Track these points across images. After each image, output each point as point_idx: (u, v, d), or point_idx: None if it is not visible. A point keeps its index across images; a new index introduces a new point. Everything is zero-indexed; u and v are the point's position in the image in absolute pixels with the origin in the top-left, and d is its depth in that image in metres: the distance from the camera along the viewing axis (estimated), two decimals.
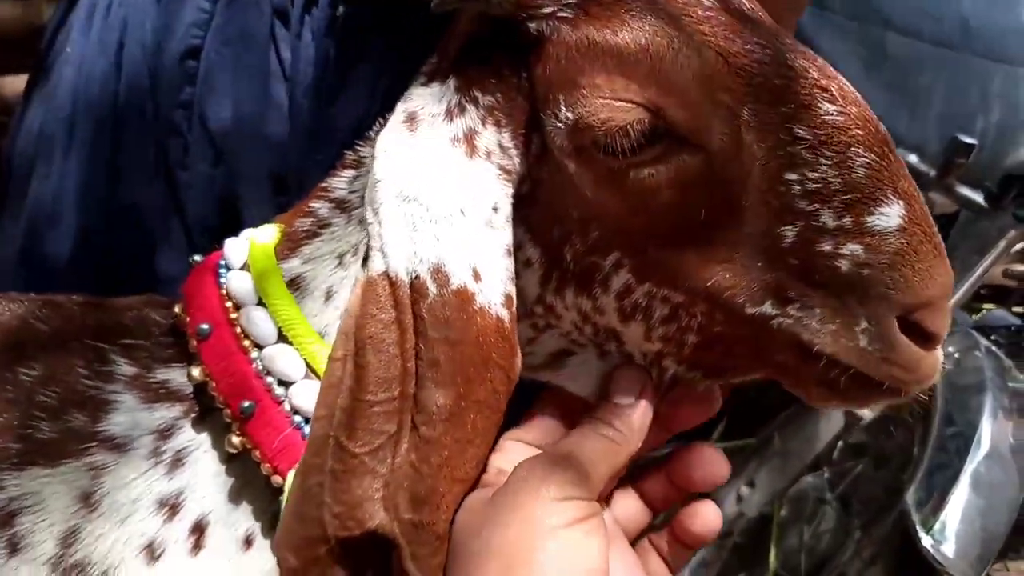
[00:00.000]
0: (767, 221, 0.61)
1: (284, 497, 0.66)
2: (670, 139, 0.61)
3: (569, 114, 0.61)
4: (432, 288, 0.62)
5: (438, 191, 0.63)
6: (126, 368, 0.70)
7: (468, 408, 0.62)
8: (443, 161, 0.64)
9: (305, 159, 0.93)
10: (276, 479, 0.67)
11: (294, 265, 0.71)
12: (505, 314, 0.63)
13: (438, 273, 0.62)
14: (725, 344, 0.66)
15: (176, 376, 0.71)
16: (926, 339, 0.62)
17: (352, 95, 0.91)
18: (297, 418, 0.67)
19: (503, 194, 0.64)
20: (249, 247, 0.71)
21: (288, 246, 0.71)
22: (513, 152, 0.65)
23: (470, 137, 0.64)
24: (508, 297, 0.64)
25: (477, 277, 0.63)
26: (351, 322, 0.63)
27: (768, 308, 0.63)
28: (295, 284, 0.70)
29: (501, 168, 0.65)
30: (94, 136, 0.98)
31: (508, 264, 0.64)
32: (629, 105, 0.60)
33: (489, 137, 0.65)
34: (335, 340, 0.65)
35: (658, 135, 0.61)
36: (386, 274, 0.63)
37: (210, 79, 0.93)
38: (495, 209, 0.64)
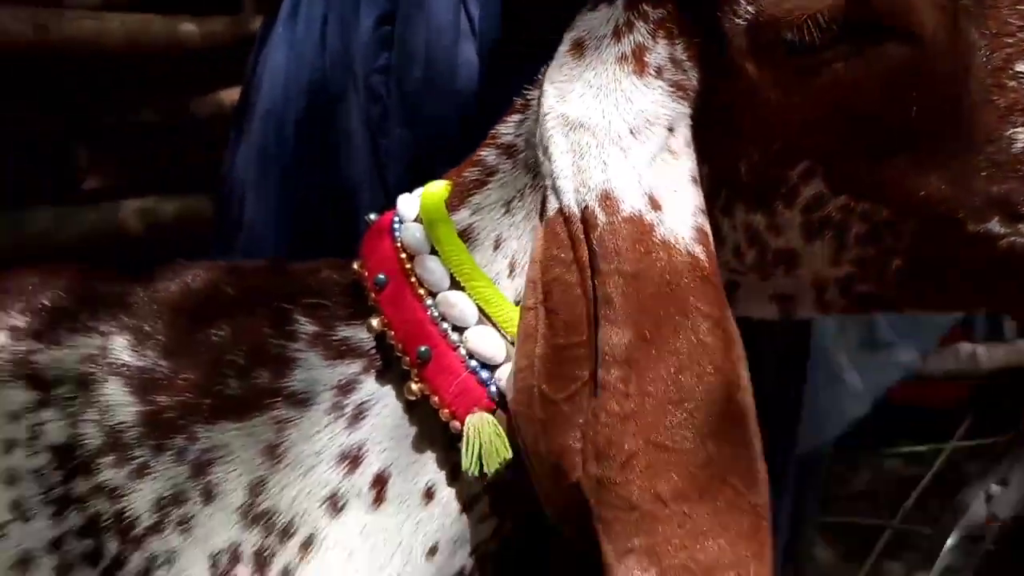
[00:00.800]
0: (993, 122, 0.53)
1: (462, 445, 0.65)
2: (871, 28, 0.54)
3: (750, 8, 0.56)
4: (601, 217, 0.57)
5: (604, 113, 0.59)
6: (308, 327, 0.71)
7: (661, 358, 0.56)
8: (610, 81, 0.60)
9: (495, 116, 0.92)
10: (455, 424, 0.65)
11: (463, 216, 0.69)
12: (700, 251, 0.57)
13: (606, 200, 0.57)
14: (938, 270, 0.58)
15: (356, 333, 0.71)
16: None
17: (541, 47, 0.90)
18: (473, 362, 0.66)
19: (679, 114, 0.59)
20: (421, 199, 0.70)
21: (458, 197, 0.70)
22: (687, 65, 0.60)
23: (639, 53, 0.60)
24: (700, 231, 0.58)
25: (655, 206, 0.58)
26: (537, 268, 0.61)
27: (995, 226, 0.55)
28: (465, 235, 0.69)
29: (675, 85, 0.60)
30: (308, 115, 1.02)
31: (695, 194, 0.59)
32: None
33: (660, 51, 0.60)
34: (525, 290, 0.63)
35: (856, 25, 0.53)
36: (560, 211, 0.59)
37: (403, 41, 0.95)
38: (671, 130, 0.59)
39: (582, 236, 0.58)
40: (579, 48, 0.63)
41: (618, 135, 0.59)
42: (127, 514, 0.67)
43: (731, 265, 0.64)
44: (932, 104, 0.54)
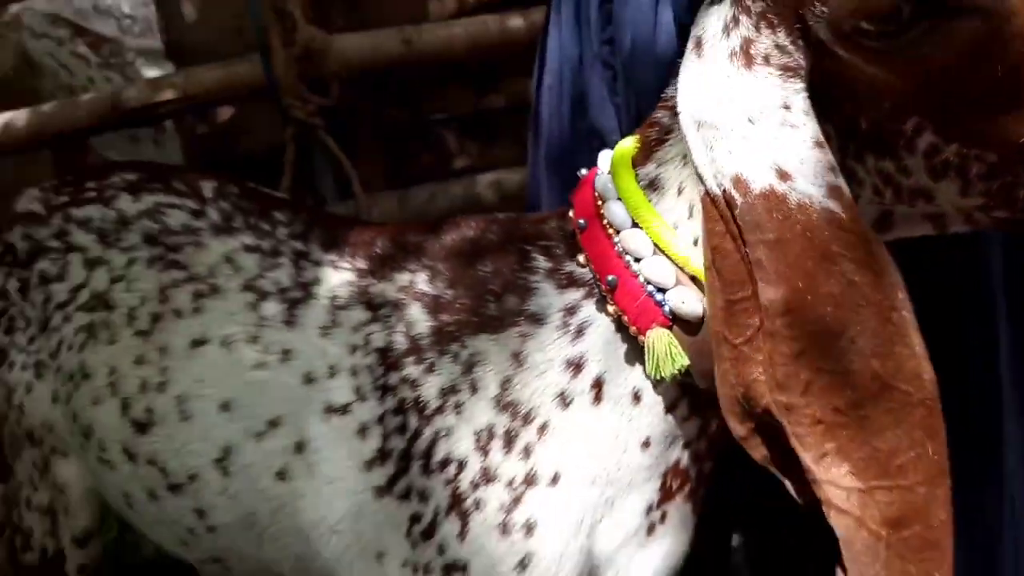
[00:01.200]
0: None
1: (648, 358, 0.80)
2: (941, 9, 0.58)
3: (824, 8, 0.63)
4: (738, 197, 0.67)
5: (723, 108, 0.68)
6: (543, 263, 0.91)
7: (817, 302, 0.65)
8: (724, 78, 0.69)
9: None
10: (640, 338, 0.81)
11: (651, 169, 0.83)
12: (833, 205, 0.65)
13: (738, 183, 0.67)
14: None
15: (578, 268, 0.89)
16: None
17: None
18: (649, 287, 0.80)
19: (792, 91, 0.67)
20: (612, 154, 0.86)
21: (644, 153, 0.84)
22: (791, 48, 0.67)
23: (746, 47, 0.68)
24: (832, 188, 0.66)
25: (784, 177, 0.66)
26: (703, 236, 0.73)
27: None
28: (653, 185, 0.82)
29: (783, 68, 0.67)
30: (573, 77, 1.19)
31: (822, 157, 0.66)
32: None
33: (764, 41, 0.68)
34: (703, 253, 0.75)
35: (926, 8, 0.58)
36: (707, 193, 0.71)
37: (618, 14, 1.08)
38: (787, 108, 0.67)
39: (728, 214, 0.69)
40: (699, 46, 0.72)
41: (737, 125, 0.68)
42: (422, 399, 0.92)
43: (880, 200, 0.71)
44: (1013, 63, 0.57)
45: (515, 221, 0.98)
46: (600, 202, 0.85)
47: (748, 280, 0.68)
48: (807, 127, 0.67)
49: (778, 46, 0.68)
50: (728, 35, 0.70)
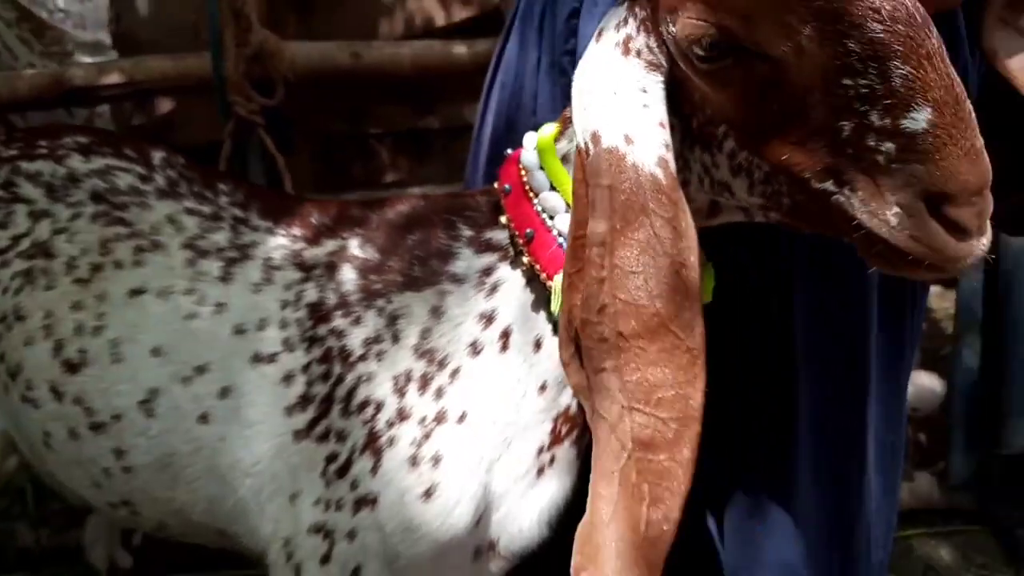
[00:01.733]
0: (830, 116, 0.73)
1: (553, 298, 0.92)
2: (742, 50, 0.75)
3: (673, 28, 0.79)
4: (591, 148, 0.83)
5: (598, 81, 0.85)
6: (466, 231, 1.03)
7: (628, 243, 0.80)
8: (605, 60, 0.85)
9: None
10: (549, 283, 0.93)
11: (563, 145, 0.97)
12: (660, 172, 0.81)
13: (594, 137, 0.83)
14: (810, 210, 0.78)
15: (496, 235, 1.01)
16: (957, 230, 0.71)
17: None
18: (560, 239, 0.94)
19: (651, 80, 0.83)
20: (537, 135, 0.99)
21: (563, 132, 0.98)
22: (656, 51, 0.84)
23: (626, 42, 0.85)
24: (662, 159, 0.81)
25: (629, 141, 0.82)
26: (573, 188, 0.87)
27: (829, 186, 0.75)
28: (566, 158, 0.96)
29: (648, 63, 0.84)
30: (526, 78, 1.28)
31: (661, 134, 0.82)
32: (703, 23, 0.75)
33: (640, 41, 0.84)
34: None
35: (734, 48, 0.75)
36: (577, 148, 0.86)
37: (584, 30, 1.20)
38: (644, 91, 0.83)
39: (583, 161, 0.84)
40: (599, 35, 0.88)
41: (605, 95, 0.83)
42: (347, 348, 1.02)
43: (703, 189, 0.88)
44: (789, 100, 0.74)
45: (447, 196, 1.09)
46: (524, 172, 0.98)
47: (586, 221, 0.83)
48: (656, 110, 0.82)
49: (648, 46, 0.84)
50: (618, 30, 0.86)
